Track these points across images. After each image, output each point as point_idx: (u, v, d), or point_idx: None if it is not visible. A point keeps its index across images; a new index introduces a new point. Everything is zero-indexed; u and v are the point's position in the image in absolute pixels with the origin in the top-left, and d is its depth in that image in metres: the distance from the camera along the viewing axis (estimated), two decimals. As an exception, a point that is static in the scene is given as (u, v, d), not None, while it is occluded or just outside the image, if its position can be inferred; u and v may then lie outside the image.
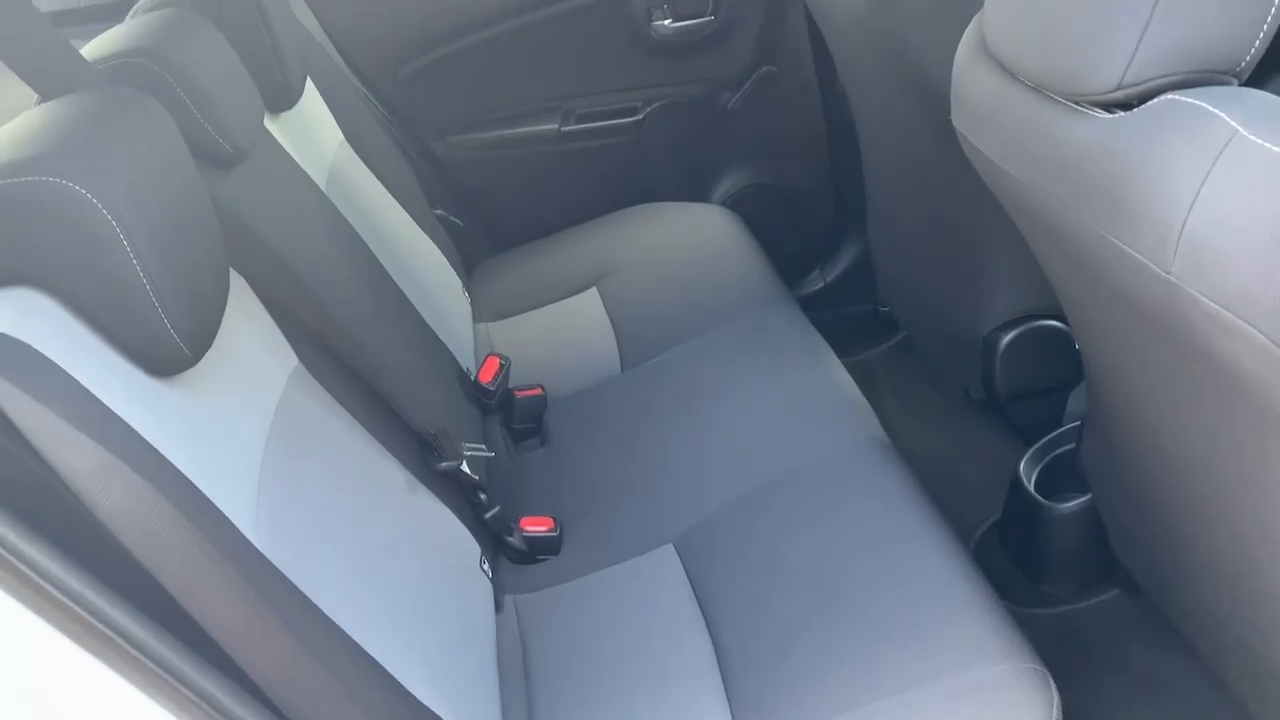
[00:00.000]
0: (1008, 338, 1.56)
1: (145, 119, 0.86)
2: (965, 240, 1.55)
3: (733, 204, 2.10)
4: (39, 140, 0.77)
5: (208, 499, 0.77)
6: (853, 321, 2.13)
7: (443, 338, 1.56)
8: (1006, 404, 1.63)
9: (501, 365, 1.55)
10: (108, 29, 1.64)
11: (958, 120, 1.08)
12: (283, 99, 1.40)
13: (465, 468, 1.19)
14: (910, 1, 1.36)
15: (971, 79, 1.02)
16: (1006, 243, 1.50)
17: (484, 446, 1.26)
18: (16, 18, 0.89)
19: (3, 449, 0.67)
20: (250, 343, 1.01)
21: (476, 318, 1.85)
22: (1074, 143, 0.87)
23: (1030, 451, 1.59)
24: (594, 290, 1.84)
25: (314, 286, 1.15)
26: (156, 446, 0.76)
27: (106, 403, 0.74)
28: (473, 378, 1.59)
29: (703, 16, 1.93)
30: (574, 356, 1.69)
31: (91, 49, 1.08)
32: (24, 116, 0.83)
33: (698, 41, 1.95)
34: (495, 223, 2.07)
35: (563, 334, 1.77)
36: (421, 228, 1.77)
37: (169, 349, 0.81)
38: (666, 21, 1.93)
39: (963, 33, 1.34)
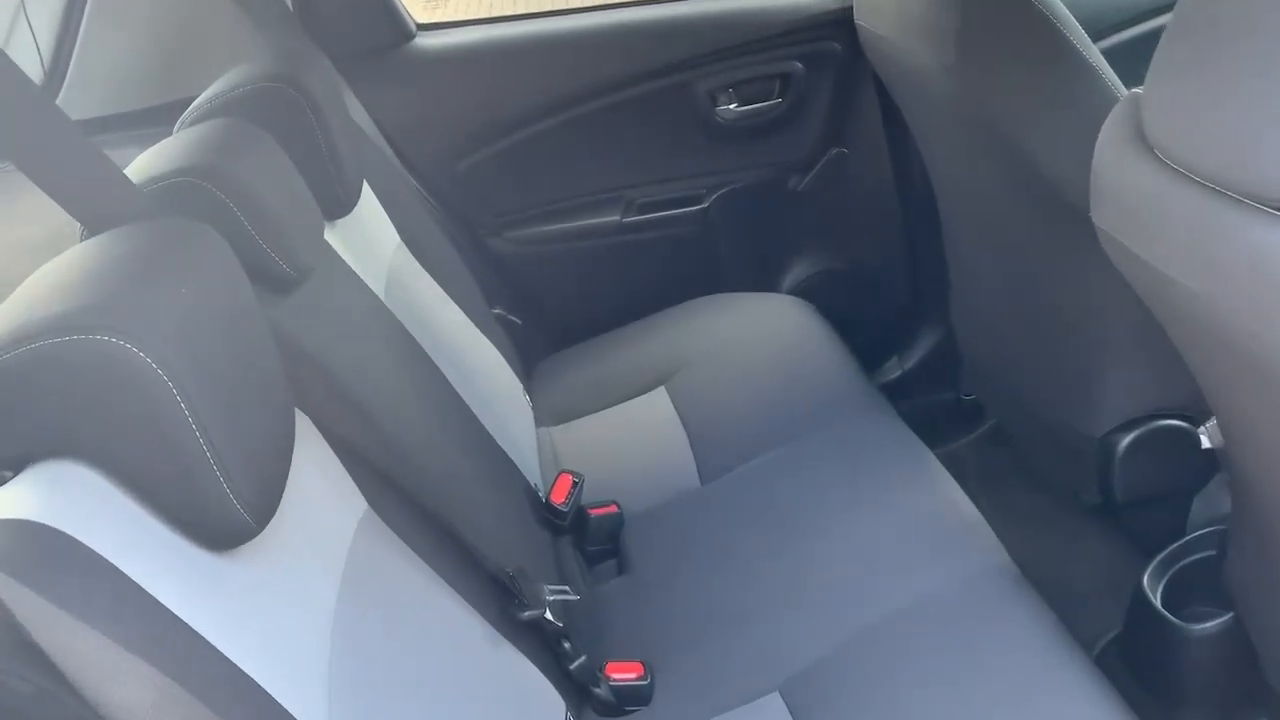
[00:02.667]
0: (1127, 440, 1.42)
1: (202, 254, 0.76)
2: (1075, 332, 1.42)
3: (802, 292, 1.99)
4: (84, 289, 0.67)
5: (283, 709, 0.66)
6: (934, 411, 2.00)
7: (507, 449, 1.45)
8: (1124, 510, 1.49)
9: (575, 484, 1.43)
10: (152, 134, 1.60)
11: (1101, 219, 0.96)
12: (340, 206, 1.31)
13: (549, 615, 1.07)
14: (1004, 78, 1.26)
15: (1120, 173, 0.91)
16: (1126, 336, 1.38)
17: (567, 588, 1.13)
18: (58, 143, 0.80)
19: (39, 689, 0.55)
20: (316, 489, 0.90)
21: (538, 421, 1.74)
22: (1265, 248, 0.75)
23: (1154, 563, 1.45)
24: (662, 390, 1.72)
25: (381, 417, 1.04)
26: (220, 644, 0.65)
27: (162, 598, 0.63)
28: (541, 494, 1.47)
29: (770, 100, 1.84)
30: (646, 466, 1.57)
31: (139, 168, 1.00)
32: (67, 258, 0.74)
33: (764, 125, 1.86)
34: (555, 319, 1.97)
35: (631, 439, 1.65)
36: (480, 329, 1.67)
37: (233, 522, 0.70)
38: (732, 106, 1.84)
39: (1065, 110, 1.24)
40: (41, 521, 0.61)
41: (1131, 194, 0.88)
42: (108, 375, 0.64)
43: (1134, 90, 0.89)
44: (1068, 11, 1.22)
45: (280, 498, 0.77)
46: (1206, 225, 0.79)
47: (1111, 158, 0.92)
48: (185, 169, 0.95)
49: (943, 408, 2.05)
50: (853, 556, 1.23)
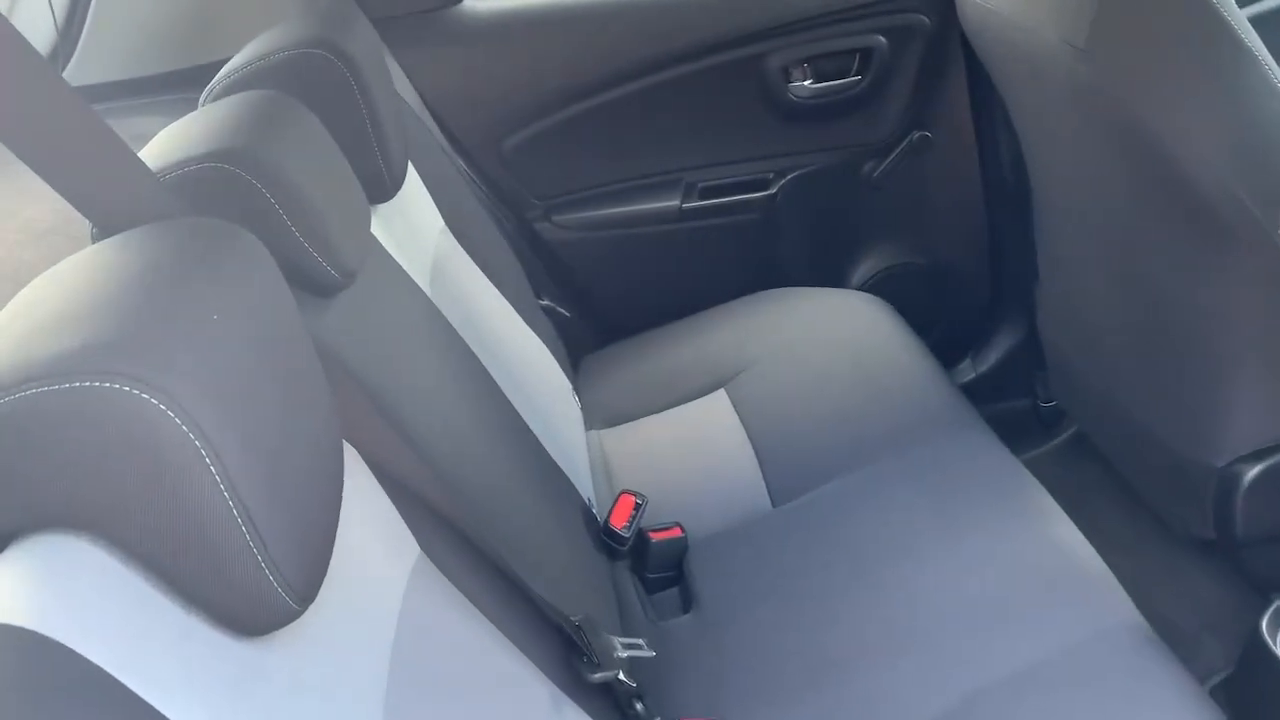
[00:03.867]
0: (1254, 472, 1.27)
1: (237, 267, 0.61)
2: (1199, 348, 1.26)
3: (873, 287, 1.84)
4: (93, 319, 0.52)
5: None
6: (1009, 417, 1.85)
7: (558, 459, 1.31)
8: (1243, 548, 1.34)
9: (637, 506, 1.29)
10: (175, 102, 1.45)
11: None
12: (384, 190, 1.16)
13: (622, 675, 0.93)
14: (1147, 65, 1.10)
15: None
16: (1261, 357, 1.23)
17: (641, 643, 0.99)
18: (62, 124, 0.66)
19: None
20: (365, 538, 0.76)
21: (587, 423, 1.60)
22: None
23: (1273, 609, 1.30)
24: (722, 393, 1.58)
25: (435, 444, 0.90)
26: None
27: (180, 716, 0.49)
28: (596, 511, 1.33)
29: (848, 76, 1.68)
30: (709, 482, 1.42)
31: (159, 150, 0.85)
32: (73, 270, 0.59)
33: (841, 104, 1.69)
34: (605, 311, 1.82)
35: (690, 449, 1.50)
36: (527, 322, 1.52)
37: (271, 607, 0.56)
38: (807, 82, 1.68)
39: (1218, 104, 1.08)
40: (25, 627, 0.47)
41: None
42: (121, 435, 0.49)
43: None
44: (1226, -12, 1.06)
45: (327, 568, 0.63)
46: None
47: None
48: (214, 152, 0.80)
49: (1017, 414, 1.91)
50: (958, 602, 1.08)
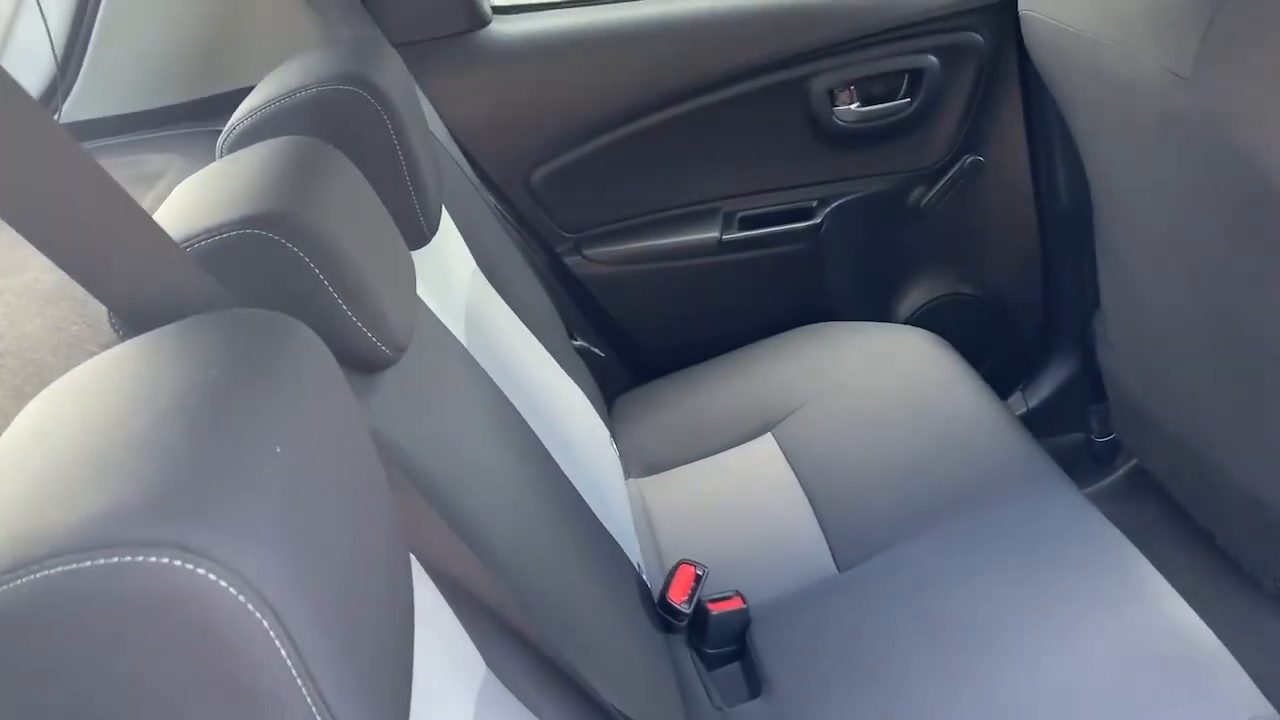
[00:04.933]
0: (1360, 528, 1.18)
1: (297, 376, 0.51)
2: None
3: (922, 320, 1.75)
4: (128, 465, 0.42)
5: None
6: (1061, 452, 1.75)
7: (605, 522, 1.21)
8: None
9: (698, 578, 1.18)
10: (186, 136, 1.34)
11: None
12: (419, 237, 1.06)
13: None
14: (1258, 93, 1.00)
15: None
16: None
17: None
18: (68, 188, 0.54)
19: None
20: (434, 668, 0.66)
21: (625, 471, 1.50)
22: None
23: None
24: (770, 438, 1.48)
25: (497, 539, 0.80)
26: None
27: None
28: (643, 574, 1.23)
29: (897, 99, 1.58)
30: (762, 539, 1.32)
31: (180, 211, 0.74)
32: (93, 377, 0.49)
33: (889, 128, 1.60)
34: (640, 349, 1.72)
35: (739, 503, 1.40)
36: (563, 367, 1.42)
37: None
38: (853, 106, 1.58)
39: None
40: None
41: None
42: (173, 621, 0.39)
43: None
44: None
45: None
46: None
47: None
48: (249, 217, 0.70)
49: (1071, 449, 1.81)
50: (1057, 688, 0.98)
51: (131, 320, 0.57)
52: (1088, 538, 1.14)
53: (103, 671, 0.39)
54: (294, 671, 0.41)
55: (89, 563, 0.39)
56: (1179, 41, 1.03)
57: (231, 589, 0.40)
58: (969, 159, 1.63)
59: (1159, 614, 1.03)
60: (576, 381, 1.44)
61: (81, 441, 0.45)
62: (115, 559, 0.39)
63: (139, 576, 0.39)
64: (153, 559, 0.39)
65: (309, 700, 0.42)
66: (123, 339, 0.57)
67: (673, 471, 1.49)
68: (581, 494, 1.19)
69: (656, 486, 1.48)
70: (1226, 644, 1.04)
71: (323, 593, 0.44)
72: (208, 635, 0.39)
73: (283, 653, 0.40)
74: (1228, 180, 1.08)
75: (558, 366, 1.40)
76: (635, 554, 1.27)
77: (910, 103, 1.58)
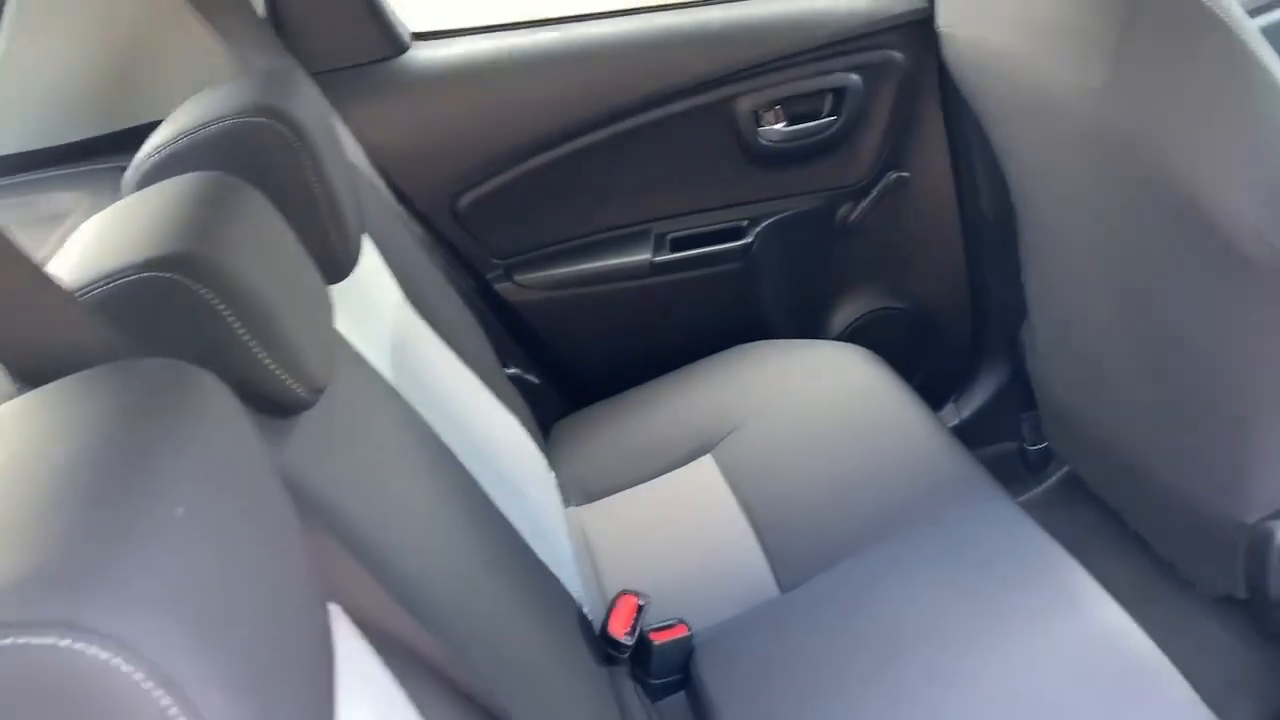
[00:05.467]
0: (1289, 528, 1.20)
1: (201, 430, 0.48)
2: (1227, 399, 1.19)
3: (853, 334, 1.75)
4: (17, 540, 0.39)
5: None
6: (994, 462, 1.77)
7: (543, 556, 1.18)
8: (1277, 607, 1.27)
9: (640, 609, 1.16)
10: (92, 174, 1.29)
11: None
12: (339, 270, 1.03)
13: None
14: (1171, 103, 1.02)
15: None
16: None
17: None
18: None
19: None
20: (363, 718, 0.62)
21: (564, 499, 1.47)
22: None
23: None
24: (709, 459, 1.47)
25: (417, 579, 0.78)
26: None
27: None
28: (584, 607, 1.21)
29: (821, 118, 1.59)
30: (704, 564, 1.31)
31: (82, 254, 0.70)
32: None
33: (815, 146, 1.60)
34: (574, 374, 1.70)
35: (680, 527, 1.38)
36: (497, 396, 1.39)
37: None
38: (778, 125, 1.58)
39: (1247, 144, 1.00)
40: None
41: None
42: (63, 709, 0.36)
43: None
44: (1252, 23, 0.99)
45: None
46: None
47: None
48: (154, 260, 0.67)
49: (1003, 458, 1.83)
50: (998, 700, 0.98)
51: (23, 373, 0.54)
52: (1024, 548, 1.14)
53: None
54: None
55: (-29, 645, 0.36)
56: (1091, 57, 1.04)
57: (128, 668, 0.37)
58: (893, 175, 1.64)
59: (1095, 622, 1.03)
60: (511, 410, 1.41)
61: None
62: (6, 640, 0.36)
63: (22, 661, 0.36)
64: (36, 640, 0.36)
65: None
66: (18, 393, 0.54)
67: (612, 498, 1.48)
68: (518, 527, 1.16)
69: (596, 514, 1.46)
70: (1164, 647, 1.05)
71: (234, 663, 0.41)
72: (107, 708, 0.36)
73: (182, 725, 0.38)
74: (1143, 189, 1.10)
75: (491, 396, 1.38)
76: (575, 585, 1.25)
77: (834, 121, 1.59)
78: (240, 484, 0.49)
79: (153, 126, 0.99)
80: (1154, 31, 1.00)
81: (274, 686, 0.44)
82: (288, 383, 0.70)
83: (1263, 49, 0.97)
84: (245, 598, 0.44)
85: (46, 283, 0.55)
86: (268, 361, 0.68)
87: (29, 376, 0.54)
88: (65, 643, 0.36)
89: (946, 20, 1.33)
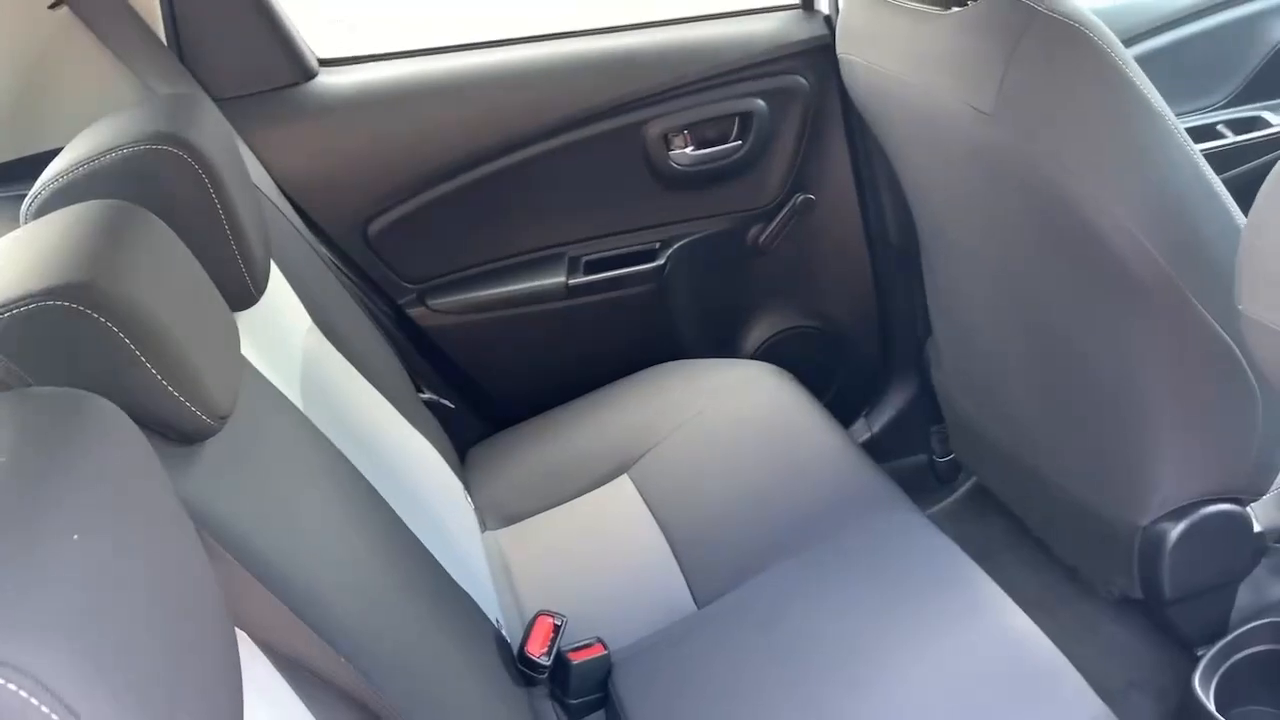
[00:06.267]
0: (1178, 530, 1.26)
1: (95, 457, 0.48)
2: (1119, 409, 1.24)
3: (765, 353, 1.79)
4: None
5: None
6: (906, 474, 1.82)
7: (460, 580, 1.18)
8: (1170, 606, 1.33)
9: (556, 629, 1.17)
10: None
11: (1255, 306, 0.78)
12: (246, 297, 1.02)
13: None
14: (1056, 127, 1.07)
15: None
16: (1183, 416, 1.21)
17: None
18: None
19: None
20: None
21: (482, 524, 1.47)
22: None
23: (1205, 662, 1.29)
24: (625, 479, 1.48)
25: (327, 603, 0.77)
26: None
27: None
28: (502, 629, 1.21)
29: (729, 141, 1.63)
30: (621, 583, 1.32)
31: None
32: None
33: (723, 170, 1.64)
34: (490, 398, 1.70)
35: (597, 547, 1.39)
36: (410, 421, 1.39)
37: None
38: (688, 150, 1.61)
39: (1129, 166, 1.06)
40: None
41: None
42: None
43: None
44: (1128, 53, 1.04)
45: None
46: None
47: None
48: (51, 289, 0.66)
49: (914, 470, 1.88)
50: (909, 706, 1.01)
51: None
52: (932, 558, 1.18)
53: None
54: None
55: None
56: (980, 83, 1.09)
57: (22, 692, 0.37)
58: (800, 197, 1.68)
59: (1000, 627, 1.07)
60: (425, 435, 1.41)
61: None
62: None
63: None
64: (-74, 670, 0.36)
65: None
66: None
67: (530, 520, 1.48)
68: (433, 552, 1.16)
69: (514, 537, 1.46)
70: (1069, 650, 1.09)
71: (131, 687, 0.41)
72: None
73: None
74: (1032, 205, 1.15)
75: (404, 421, 1.37)
76: (493, 609, 1.25)
77: (742, 145, 1.63)
78: (138, 510, 0.49)
79: (52, 155, 0.97)
80: (1037, 59, 1.05)
81: (175, 711, 0.44)
82: (190, 409, 0.69)
83: (1138, 75, 1.03)
84: (143, 622, 0.44)
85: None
86: (170, 388, 0.68)
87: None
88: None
89: (844, 46, 1.38)
